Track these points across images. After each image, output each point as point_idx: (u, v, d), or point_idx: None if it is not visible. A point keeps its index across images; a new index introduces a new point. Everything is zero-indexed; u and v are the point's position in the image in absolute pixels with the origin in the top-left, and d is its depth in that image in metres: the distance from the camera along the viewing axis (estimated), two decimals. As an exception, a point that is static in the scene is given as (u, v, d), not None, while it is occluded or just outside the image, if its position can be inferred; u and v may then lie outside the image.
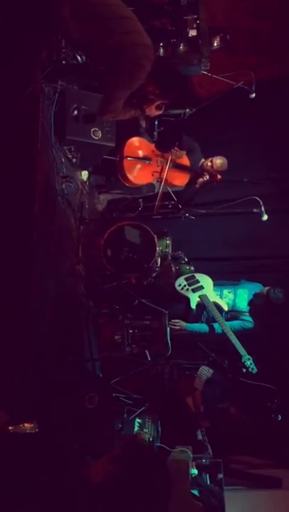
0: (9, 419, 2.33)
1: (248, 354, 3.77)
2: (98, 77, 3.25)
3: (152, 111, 3.23)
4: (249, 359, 3.73)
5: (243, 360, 3.73)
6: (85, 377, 3.21)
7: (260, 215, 4.06)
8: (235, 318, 4.13)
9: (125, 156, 4.10)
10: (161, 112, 3.25)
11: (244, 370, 3.73)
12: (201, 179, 4.51)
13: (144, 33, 2.83)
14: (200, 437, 3.69)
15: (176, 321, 4.11)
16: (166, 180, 4.30)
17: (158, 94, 3.04)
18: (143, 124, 4.49)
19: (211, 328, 4.07)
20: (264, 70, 4.55)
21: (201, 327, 4.13)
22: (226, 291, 4.25)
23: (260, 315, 4.09)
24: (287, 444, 4.22)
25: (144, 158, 4.21)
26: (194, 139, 4.65)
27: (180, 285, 4.23)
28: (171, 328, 3.93)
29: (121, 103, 2.97)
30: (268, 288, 4.04)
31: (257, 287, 4.23)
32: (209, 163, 4.48)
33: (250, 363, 3.72)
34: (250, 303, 4.12)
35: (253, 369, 3.71)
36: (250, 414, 4.05)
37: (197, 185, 4.51)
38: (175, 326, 4.07)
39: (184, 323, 4.13)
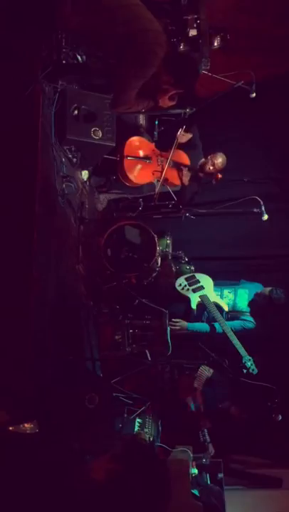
0: (9, 419, 2.33)
1: (249, 355, 3.76)
2: (108, 72, 3.24)
3: (165, 101, 3.20)
4: (250, 360, 3.73)
5: (243, 361, 3.73)
6: (85, 377, 3.21)
7: (261, 214, 4.06)
8: (236, 318, 4.12)
9: (125, 156, 4.10)
10: (174, 103, 3.23)
11: (244, 371, 3.73)
12: (185, 174, 4.47)
13: (153, 18, 2.81)
14: (202, 438, 3.70)
15: (177, 320, 4.10)
16: (166, 179, 4.30)
17: (173, 83, 3.02)
18: (143, 123, 4.48)
19: (212, 327, 4.07)
20: (264, 69, 4.54)
21: (202, 326, 4.13)
22: (226, 291, 4.25)
23: (261, 315, 4.08)
24: (288, 444, 4.22)
25: (145, 158, 4.20)
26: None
27: (180, 285, 4.23)
28: (171, 328, 3.93)
29: (134, 93, 2.94)
30: (269, 288, 4.03)
31: (257, 287, 4.23)
32: (209, 162, 4.48)
33: (251, 364, 3.72)
34: (251, 303, 4.11)
35: (253, 370, 3.71)
36: (251, 414, 4.06)
37: (185, 183, 4.48)
38: (175, 325, 4.06)
39: (184, 323, 4.12)
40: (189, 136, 4.42)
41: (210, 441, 3.71)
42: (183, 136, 4.32)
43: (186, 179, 4.41)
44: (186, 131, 4.31)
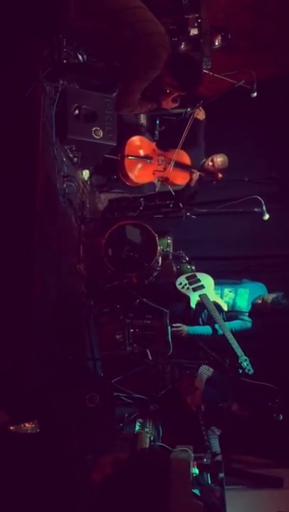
0: (10, 419, 2.33)
1: (246, 355, 3.76)
2: (109, 71, 3.25)
3: (169, 103, 3.22)
4: (246, 360, 3.73)
5: (239, 361, 3.73)
6: (86, 376, 3.21)
7: (262, 214, 4.06)
8: (235, 317, 4.12)
9: (126, 155, 4.10)
10: (177, 105, 3.24)
11: (240, 371, 3.73)
12: (194, 177, 4.45)
13: (157, 21, 2.82)
14: (206, 437, 3.71)
15: (178, 325, 4.10)
16: (167, 179, 4.30)
17: (176, 86, 3.03)
18: (144, 122, 4.48)
19: (213, 329, 4.06)
20: (265, 68, 4.55)
21: (203, 329, 4.13)
22: (226, 290, 4.24)
23: (263, 321, 4.08)
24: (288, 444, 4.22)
25: (145, 157, 4.20)
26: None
27: (181, 284, 4.22)
28: (174, 333, 3.94)
29: (138, 95, 2.95)
30: (272, 297, 3.99)
31: (258, 287, 4.22)
32: (210, 162, 4.48)
33: (247, 364, 3.72)
34: (252, 307, 4.10)
35: (249, 370, 3.71)
36: (252, 412, 4.06)
37: (191, 184, 4.48)
38: (177, 331, 4.06)
39: (185, 328, 4.13)
40: (204, 114, 4.40)
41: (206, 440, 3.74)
42: (200, 111, 4.31)
43: (193, 180, 4.42)
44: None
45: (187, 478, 3.05)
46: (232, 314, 4.15)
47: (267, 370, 3.93)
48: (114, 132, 3.60)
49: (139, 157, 4.18)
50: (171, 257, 4.44)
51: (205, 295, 4.11)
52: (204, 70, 4.11)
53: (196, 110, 4.25)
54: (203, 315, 4.23)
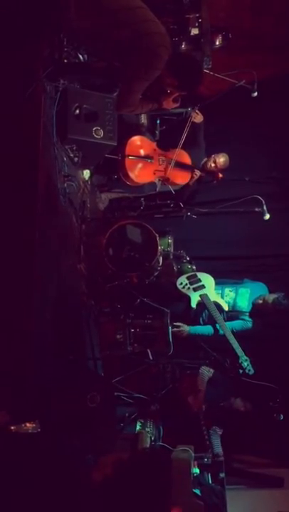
0: (11, 419, 2.33)
1: (246, 355, 3.76)
2: (110, 71, 3.25)
3: (169, 104, 3.22)
4: (246, 360, 3.73)
5: (240, 361, 3.73)
6: (87, 376, 3.21)
7: (262, 214, 4.06)
8: (236, 317, 4.12)
9: (127, 155, 4.10)
10: (177, 105, 3.24)
11: (241, 371, 3.73)
12: (194, 177, 4.46)
13: (158, 21, 2.82)
14: (207, 437, 3.70)
15: (179, 324, 4.10)
16: (168, 179, 4.29)
17: (176, 86, 3.03)
18: (145, 122, 4.48)
19: (214, 329, 4.06)
20: (266, 68, 4.54)
21: (204, 329, 4.12)
22: (227, 290, 4.24)
23: (264, 321, 4.08)
24: (289, 444, 4.22)
25: (146, 157, 4.20)
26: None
27: (181, 284, 4.22)
28: (175, 333, 3.93)
29: (139, 96, 2.95)
30: (273, 297, 3.99)
31: (259, 287, 4.22)
32: (212, 163, 4.47)
33: (247, 364, 3.71)
34: (253, 308, 4.09)
35: (249, 370, 3.70)
36: (253, 409, 4.06)
37: (190, 183, 4.48)
38: (178, 331, 4.06)
39: (186, 327, 4.12)
40: (202, 117, 4.40)
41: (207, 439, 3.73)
42: (197, 115, 4.31)
43: (193, 180, 4.41)
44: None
45: (188, 478, 3.06)
46: (233, 314, 4.14)
47: (267, 370, 3.92)
48: (114, 132, 3.60)
49: (139, 157, 4.17)
50: (171, 257, 4.44)
51: (206, 295, 4.11)
52: (205, 70, 4.11)
53: (193, 114, 4.24)
54: (203, 315, 4.22)
